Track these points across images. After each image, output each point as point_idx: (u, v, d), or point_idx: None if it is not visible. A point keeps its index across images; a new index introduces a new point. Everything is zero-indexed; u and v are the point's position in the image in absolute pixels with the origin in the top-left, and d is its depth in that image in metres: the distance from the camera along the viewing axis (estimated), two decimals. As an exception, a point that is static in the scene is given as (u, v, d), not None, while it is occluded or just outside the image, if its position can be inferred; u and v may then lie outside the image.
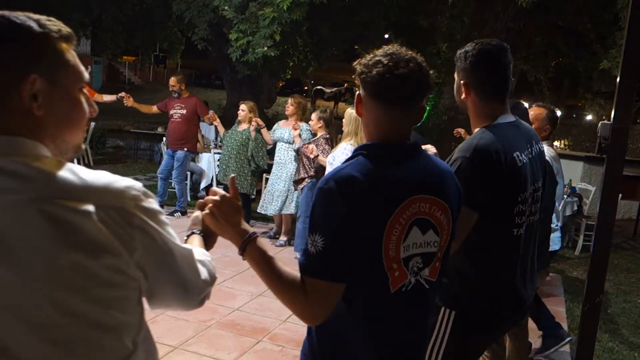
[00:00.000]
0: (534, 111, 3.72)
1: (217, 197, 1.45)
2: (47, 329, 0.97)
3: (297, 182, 6.00)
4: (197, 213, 1.51)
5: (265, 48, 7.78)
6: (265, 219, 7.29)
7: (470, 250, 1.92)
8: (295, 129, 5.94)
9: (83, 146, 1.20)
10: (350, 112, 4.96)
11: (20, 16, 1.02)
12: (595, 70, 15.15)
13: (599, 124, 2.72)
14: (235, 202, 1.46)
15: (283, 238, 6.45)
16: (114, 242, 0.99)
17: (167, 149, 7.40)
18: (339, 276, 1.39)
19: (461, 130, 6.33)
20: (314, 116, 5.89)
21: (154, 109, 7.35)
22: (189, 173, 8.00)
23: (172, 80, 7.17)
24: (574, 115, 24.49)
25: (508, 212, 1.94)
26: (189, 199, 8.02)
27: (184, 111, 7.05)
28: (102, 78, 28.29)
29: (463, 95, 2.01)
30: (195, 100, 7.18)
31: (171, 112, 7.12)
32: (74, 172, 1.01)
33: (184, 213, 7.32)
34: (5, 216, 0.95)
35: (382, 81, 1.43)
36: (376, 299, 1.45)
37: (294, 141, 6.04)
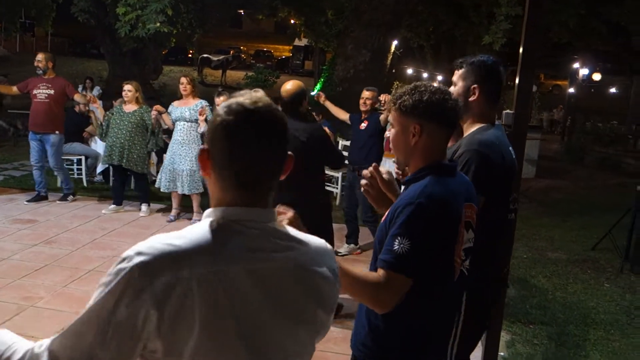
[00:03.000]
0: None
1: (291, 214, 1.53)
2: None
3: None
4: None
5: (158, 24, 7.46)
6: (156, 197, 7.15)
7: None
8: (202, 114, 5.90)
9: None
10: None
11: None
12: (471, 36, 16.19)
13: (503, 113, 2.99)
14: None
15: (174, 214, 6.45)
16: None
17: (30, 132, 6.64)
18: (416, 274, 1.63)
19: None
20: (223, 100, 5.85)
21: (14, 89, 6.60)
22: (83, 157, 7.62)
23: (40, 56, 6.53)
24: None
25: (506, 198, 2.24)
26: (84, 184, 7.67)
27: (52, 91, 6.42)
28: (-40, 49, 25.57)
29: (472, 97, 2.23)
30: (63, 81, 6.63)
31: (35, 91, 6.43)
32: None
33: (74, 194, 6.96)
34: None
35: (445, 104, 1.71)
36: (443, 285, 1.76)
37: (198, 121, 6.00)
